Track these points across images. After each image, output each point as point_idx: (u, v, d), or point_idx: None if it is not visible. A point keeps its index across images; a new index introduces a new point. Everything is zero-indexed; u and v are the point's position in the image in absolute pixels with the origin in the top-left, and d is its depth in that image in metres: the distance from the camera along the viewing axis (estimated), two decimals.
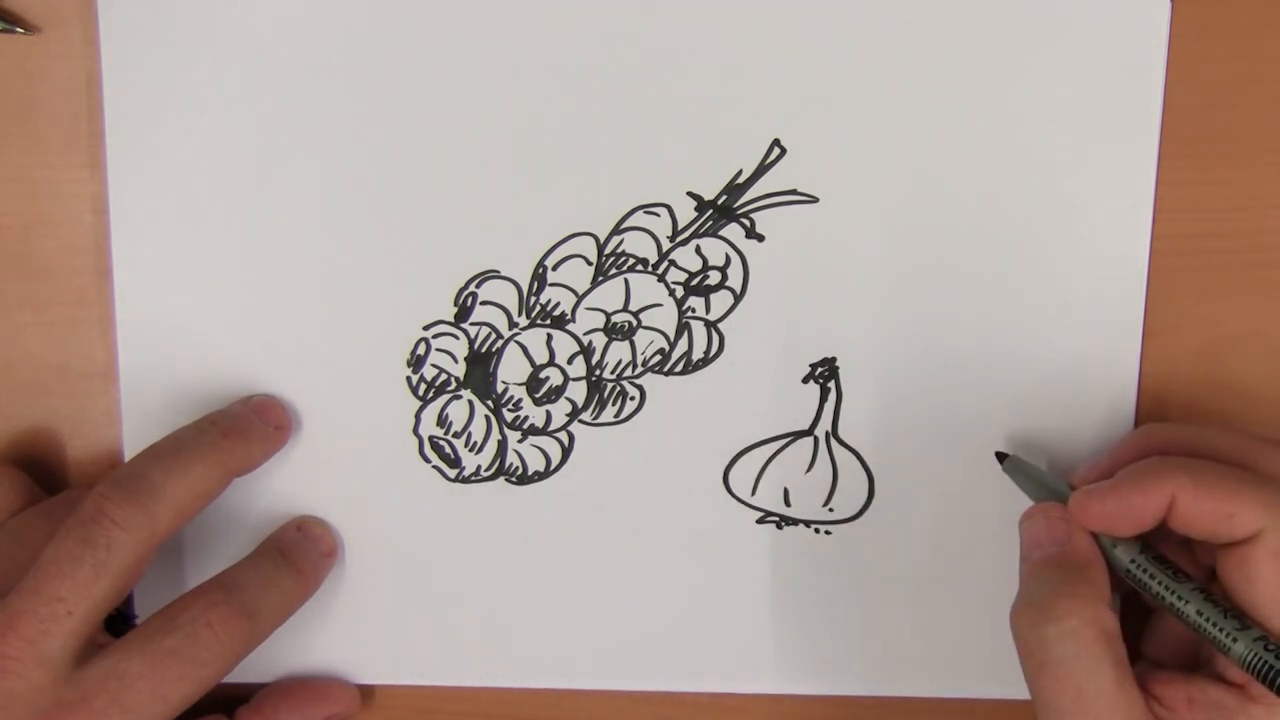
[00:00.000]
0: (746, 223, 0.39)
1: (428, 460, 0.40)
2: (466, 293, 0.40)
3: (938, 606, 0.41)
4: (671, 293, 0.40)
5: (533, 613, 0.41)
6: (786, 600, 0.41)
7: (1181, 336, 0.40)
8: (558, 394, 0.40)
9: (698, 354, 0.40)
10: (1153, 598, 0.35)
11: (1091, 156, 0.39)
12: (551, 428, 0.40)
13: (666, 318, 0.40)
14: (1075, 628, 0.33)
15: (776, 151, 0.39)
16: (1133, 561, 0.35)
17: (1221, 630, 0.34)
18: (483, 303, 0.40)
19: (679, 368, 0.40)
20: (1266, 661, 0.32)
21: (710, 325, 0.40)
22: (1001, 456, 0.39)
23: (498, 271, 0.40)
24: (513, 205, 0.39)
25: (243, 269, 0.40)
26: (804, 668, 0.41)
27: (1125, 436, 0.38)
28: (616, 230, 0.39)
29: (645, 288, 0.40)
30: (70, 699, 0.34)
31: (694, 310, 0.40)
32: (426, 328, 0.40)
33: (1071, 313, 0.39)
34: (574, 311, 0.40)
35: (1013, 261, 0.39)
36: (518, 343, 0.40)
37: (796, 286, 0.40)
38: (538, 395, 0.40)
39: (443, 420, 0.40)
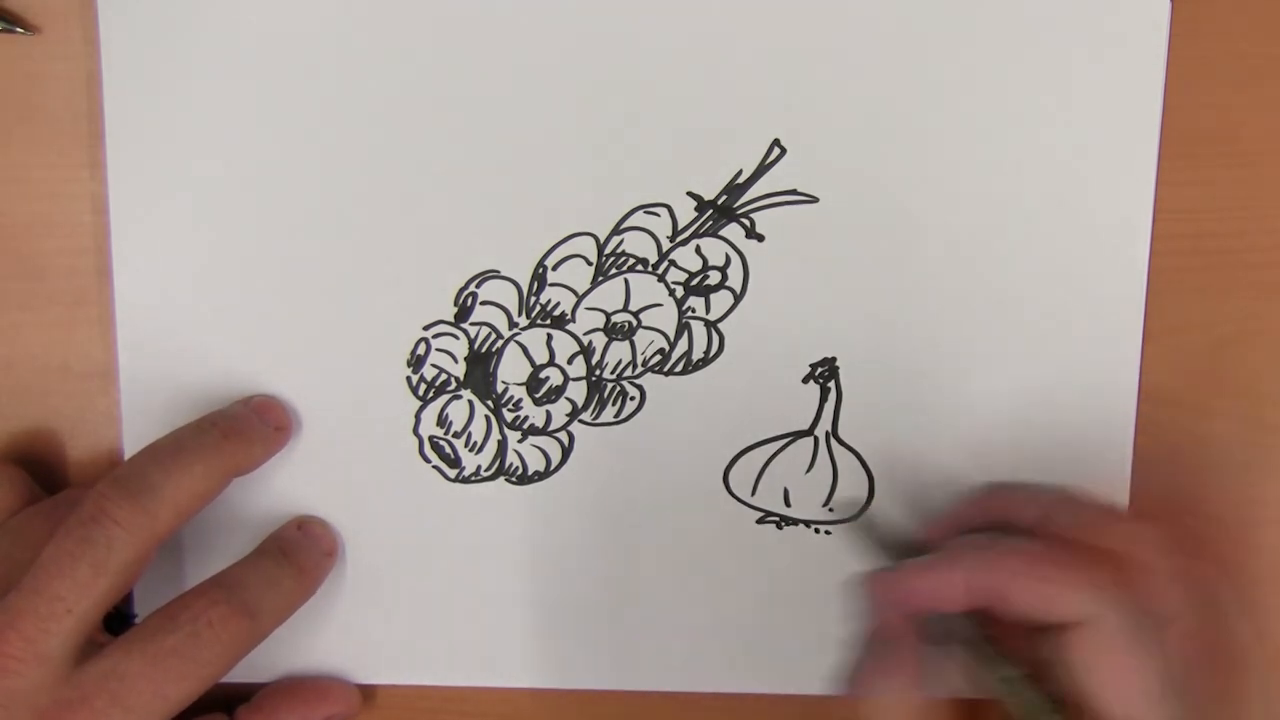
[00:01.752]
0: (746, 223, 0.39)
1: (428, 460, 0.40)
2: (466, 293, 0.40)
3: None
4: (671, 293, 0.40)
5: (533, 613, 0.41)
6: (786, 600, 0.41)
7: (1181, 336, 0.40)
8: (558, 394, 0.40)
9: (698, 354, 0.40)
10: (978, 674, 0.35)
11: (1091, 156, 0.39)
12: (551, 428, 0.40)
13: (666, 318, 0.40)
14: (889, 705, 0.34)
15: (776, 151, 0.39)
16: (966, 639, 0.35)
17: (1037, 711, 0.34)
18: (483, 303, 0.40)
19: (679, 368, 0.40)
20: None
21: (710, 325, 0.40)
22: (855, 518, 0.40)
23: (498, 271, 0.40)
24: (513, 205, 0.39)
25: (243, 269, 0.40)
26: (804, 667, 0.41)
27: (969, 496, 0.38)
28: (616, 230, 0.40)
29: (645, 288, 0.40)
30: (70, 698, 0.34)
31: (694, 310, 0.40)
32: (426, 328, 0.40)
33: (1072, 313, 0.39)
34: (574, 311, 0.40)
35: (1013, 261, 0.39)
36: (518, 343, 0.40)
37: (796, 286, 0.40)
38: (538, 395, 0.40)
39: (443, 420, 0.40)
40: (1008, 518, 0.36)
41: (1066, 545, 0.34)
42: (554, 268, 0.40)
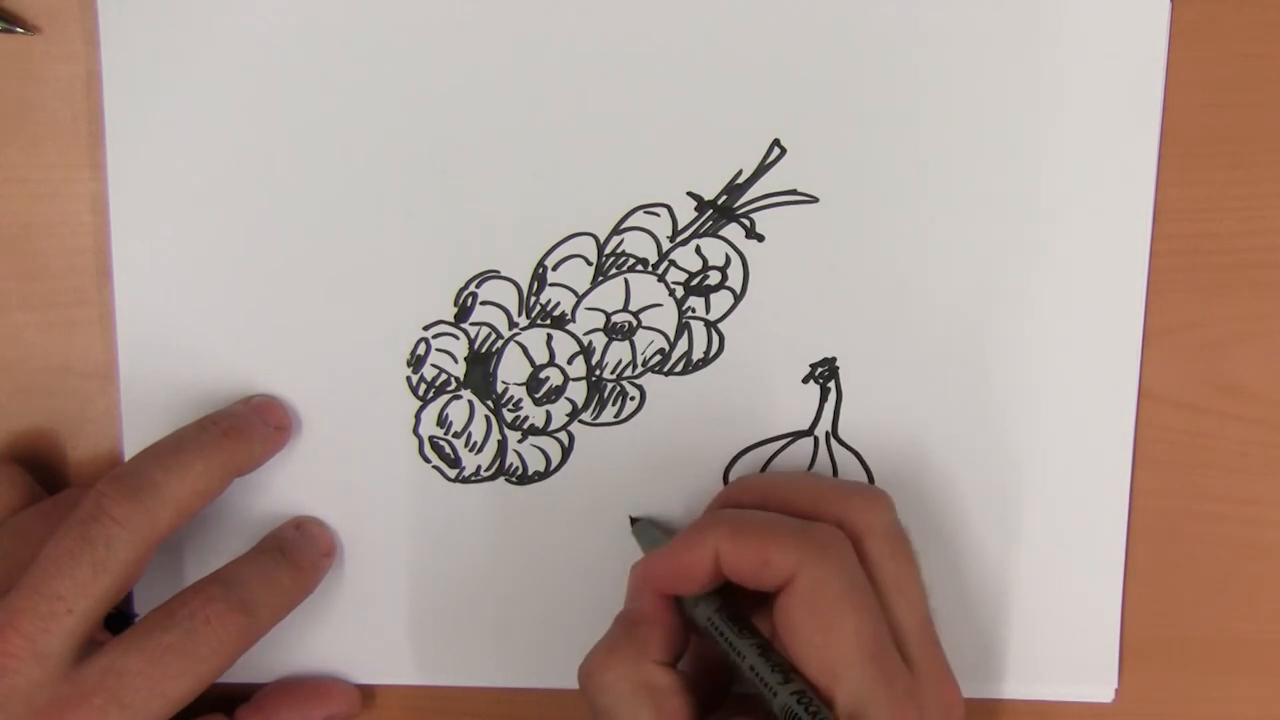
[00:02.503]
0: (746, 223, 0.39)
1: (428, 460, 0.40)
2: (466, 293, 0.40)
3: (937, 607, 0.40)
4: (671, 293, 0.40)
5: (533, 613, 0.41)
6: None
7: (1181, 336, 0.40)
8: (558, 394, 0.40)
9: (698, 354, 0.40)
10: (727, 653, 0.36)
11: (1091, 156, 0.39)
12: (551, 428, 0.40)
13: (666, 318, 0.40)
14: (612, 681, 0.35)
15: (776, 151, 0.39)
16: (708, 619, 0.36)
17: (767, 685, 0.34)
18: (483, 303, 0.40)
19: (679, 368, 0.40)
20: (795, 714, 0.33)
21: (710, 325, 0.40)
22: (633, 520, 0.40)
23: (498, 271, 0.40)
24: (513, 205, 0.39)
25: (243, 269, 0.40)
26: None
27: (720, 492, 0.39)
28: (616, 230, 0.40)
29: (645, 288, 0.40)
30: (69, 696, 0.34)
31: (694, 310, 0.40)
32: (426, 328, 0.40)
33: (1071, 313, 0.39)
34: (574, 311, 0.40)
35: (1012, 261, 0.39)
36: (518, 343, 0.40)
37: (796, 286, 0.40)
38: (538, 395, 0.40)
39: (443, 420, 0.40)
40: (746, 505, 0.37)
41: (780, 514, 0.36)
42: (554, 268, 0.40)
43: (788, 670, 0.34)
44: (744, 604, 0.36)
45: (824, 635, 0.34)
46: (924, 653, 0.35)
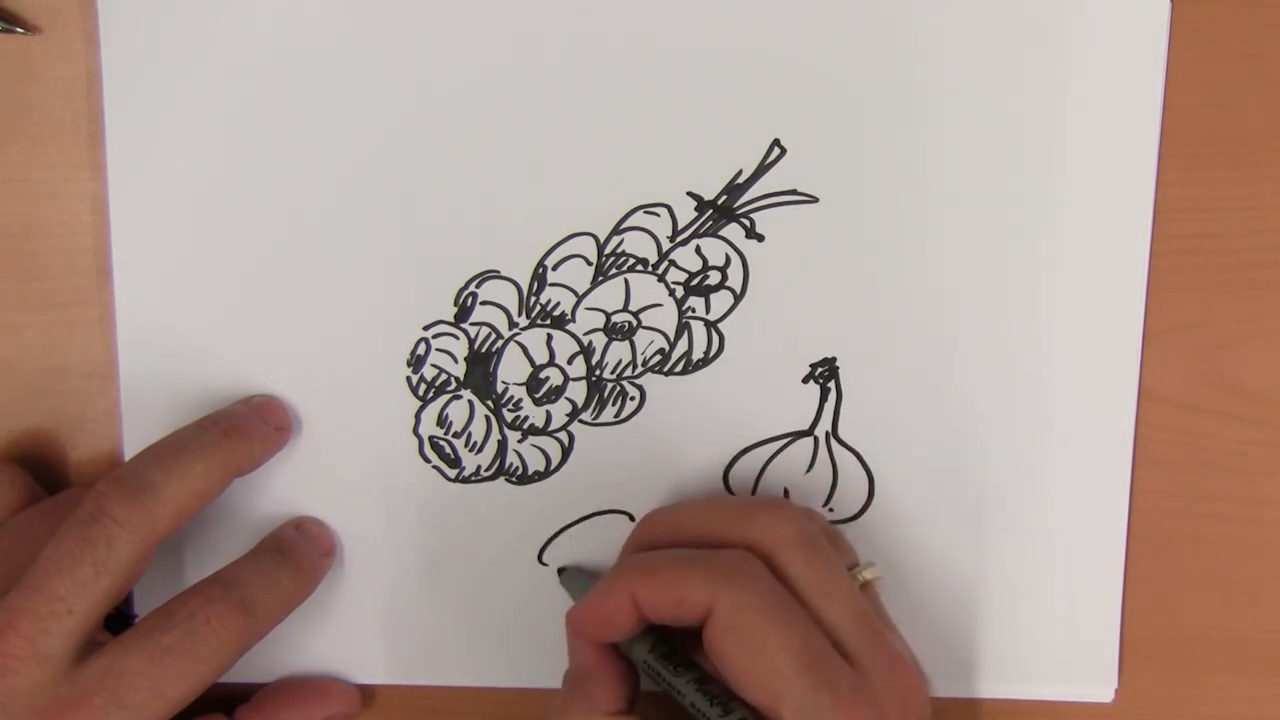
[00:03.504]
0: (746, 223, 0.39)
1: (428, 460, 0.40)
2: (466, 293, 0.40)
3: (938, 607, 0.41)
4: (671, 293, 0.40)
5: (533, 613, 0.41)
6: None
7: (1181, 336, 0.40)
8: (558, 394, 0.40)
9: (698, 354, 0.40)
10: (668, 692, 0.36)
11: (1091, 157, 0.39)
12: (551, 428, 0.40)
13: (666, 318, 0.40)
14: None
15: (776, 151, 0.39)
16: (644, 661, 0.36)
17: (708, 718, 0.34)
18: (483, 303, 0.40)
19: (679, 368, 0.40)
20: None
21: (710, 325, 0.40)
22: (560, 571, 0.40)
23: (498, 271, 0.40)
24: (513, 205, 0.39)
25: (243, 269, 0.40)
26: None
27: (633, 530, 0.39)
28: (616, 230, 0.40)
29: (645, 288, 0.40)
30: (69, 696, 0.34)
31: (694, 310, 0.40)
32: (426, 328, 0.40)
33: (1072, 313, 0.39)
34: (574, 311, 0.40)
35: (1012, 261, 0.39)
36: (518, 343, 0.40)
37: (796, 286, 0.40)
38: (538, 395, 0.40)
39: (443, 420, 0.40)
40: (660, 541, 0.37)
41: (689, 549, 0.36)
42: (554, 268, 0.40)
43: (727, 701, 0.34)
44: (682, 637, 0.36)
45: (753, 657, 0.33)
46: (866, 646, 0.34)
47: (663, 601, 0.35)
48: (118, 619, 0.40)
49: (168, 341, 0.40)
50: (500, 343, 0.40)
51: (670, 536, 0.37)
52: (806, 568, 0.35)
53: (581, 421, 0.40)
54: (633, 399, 0.40)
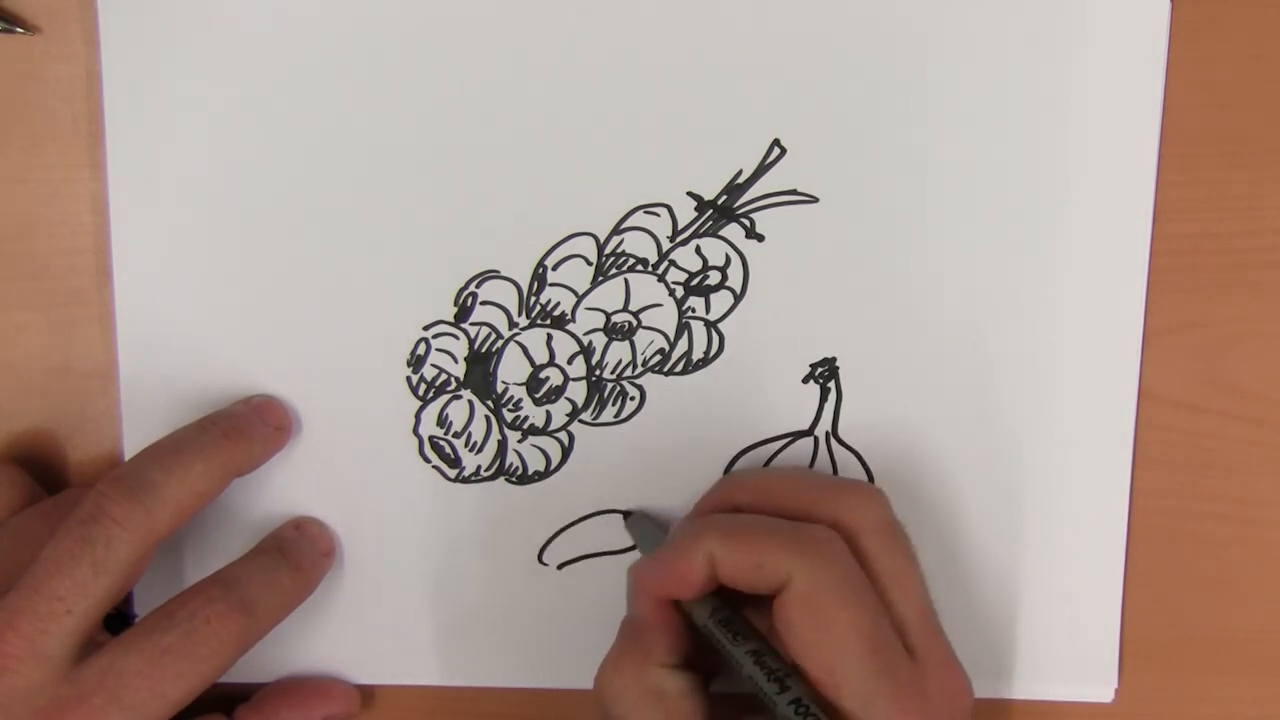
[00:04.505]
0: (746, 223, 0.39)
1: (428, 460, 0.40)
2: (466, 293, 0.40)
3: (937, 606, 0.40)
4: (671, 293, 0.40)
5: (533, 613, 0.41)
6: None
7: (1181, 336, 0.40)
8: (558, 394, 0.40)
9: (698, 354, 0.40)
10: (727, 659, 0.36)
11: (1091, 157, 0.39)
12: (551, 428, 0.40)
13: (666, 318, 0.40)
14: (620, 689, 0.36)
15: (776, 151, 0.39)
16: (703, 625, 0.36)
17: (765, 694, 0.35)
18: (483, 303, 0.40)
19: (679, 368, 0.40)
20: None
21: (710, 325, 0.40)
22: (626, 514, 0.40)
23: (498, 271, 0.40)
24: (513, 205, 0.39)
25: (243, 269, 0.40)
26: None
27: (712, 487, 0.39)
28: (616, 230, 0.40)
29: (645, 288, 0.40)
30: (68, 697, 0.34)
31: (694, 310, 0.40)
32: (426, 328, 0.40)
33: (1072, 313, 0.39)
34: (574, 311, 0.40)
35: (1012, 261, 0.39)
36: (518, 343, 0.40)
37: (796, 286, 0.40)
38: (538, 395, 0.40)
39: (443, 420, 0.40)
40: (741, 504, 0.38)
41: (774, 517, 0.36)
42: (554, 268, 0.40)
43: (784, 677, 0.34)
44: (743, 601, 0.36)
45: (822, 634, 0.34)
46: (926, 642, 0.35)
47: (742, 566, 0.35)
48: (118, 619, 0.40)
49: (168, 341, 0.40)
50: (500, 343, 0.40)
51: (754, 502, 0.37)
52: (886, 555, 0.36)
53: (581, 421, 0.40)
54: (633, 399, 0.40)
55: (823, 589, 0.34)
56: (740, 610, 0.36)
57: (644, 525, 0.40)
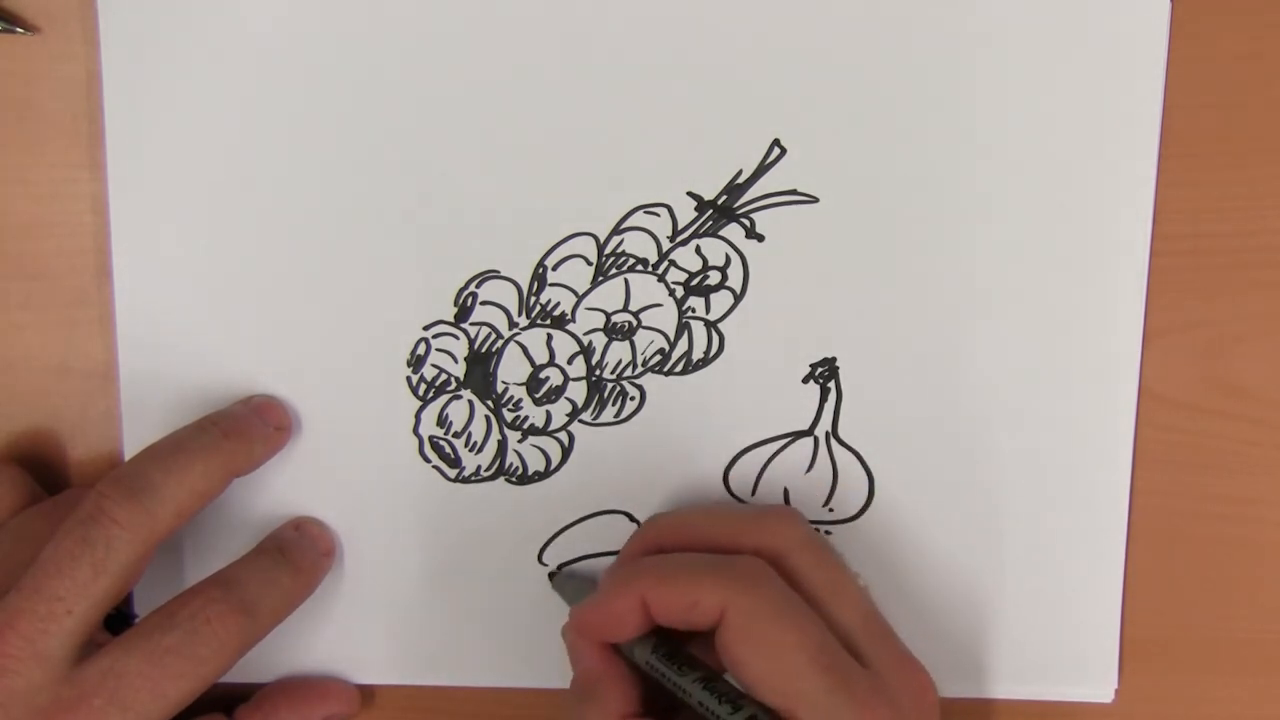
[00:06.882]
0: (746, 223, 0.39)
1: (428, 460, 0.40)
2: (466, 293, 0.40)
3: (938, 606, 0.41)
4: (671, 293, 0.40)
5: (532, 612, 0.41)
6: None
7: (1181, 336, 0.40)
8: (558, 394, 0.40)
9: (698, 354, 0.40)
10: (674, 693, 0.36)
11: (1091, 157, 0.39)
12: (551, 428, 0.40)
13: (666, 318, 0.40)
14: None
15: (776, 151, 0.39)
16: (646, 662, 0.36)
17: (719, 716, 0.34)
18: (483, 303, 0.40)
19: (679, 368, 0.40)
20: None
21: (710, 325, 0.40)
22: (551, 575, 0.40)
23: (498, 271, 0.40)
24: (513, 205, 0.39)
25: (243, 269, 0.40)
26: None
27: (634, 534, 0.39)
28: (616, 230, 0.40)
29: (645, 288, 0.40)
30: (68, 697, 0.34)
31: (694, 310, 0.40)
32: (426, 328, 0.40)
33: (1072, 313, 0.39)
34: (574, 311, 0.40)
35: (1012, 261, 0.39)
36: (518, 343, 0.40)
37: (796, 286, 0.40)
38: (538, 395, 0.40)
39: (443, 420, 0.40)
40: (666, 545, 0.38)
41: (702, 553, 0.36)
42: (554, 268, 0.40)
43: (736, 698, 0.34)
44: (684, 636, 0.36)
45: (770, 661, 0.34)
46: (876, 647, 0.35)
47: (675, 605, 0.35)
48: (118, 619, 0.40)
49: (168, 341, 0.40)
50: (500, 343, 0.40)
51: (678, 541, 0.37)
52: (816, 570, 0.36)
53: (581, 421, 0.40)
54: (633, 399, 0.40)
55: (760, 616, 0.34)
56: (682, 646, 0.36)
57: (571, 581, 0.40)
